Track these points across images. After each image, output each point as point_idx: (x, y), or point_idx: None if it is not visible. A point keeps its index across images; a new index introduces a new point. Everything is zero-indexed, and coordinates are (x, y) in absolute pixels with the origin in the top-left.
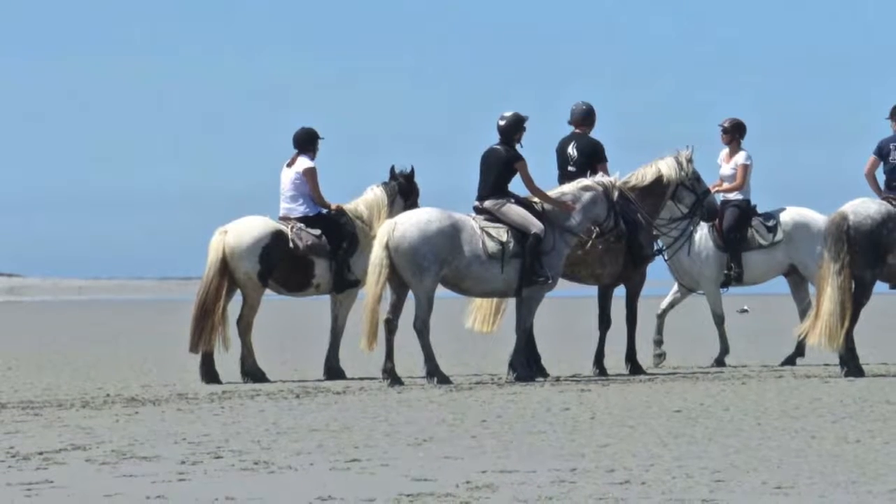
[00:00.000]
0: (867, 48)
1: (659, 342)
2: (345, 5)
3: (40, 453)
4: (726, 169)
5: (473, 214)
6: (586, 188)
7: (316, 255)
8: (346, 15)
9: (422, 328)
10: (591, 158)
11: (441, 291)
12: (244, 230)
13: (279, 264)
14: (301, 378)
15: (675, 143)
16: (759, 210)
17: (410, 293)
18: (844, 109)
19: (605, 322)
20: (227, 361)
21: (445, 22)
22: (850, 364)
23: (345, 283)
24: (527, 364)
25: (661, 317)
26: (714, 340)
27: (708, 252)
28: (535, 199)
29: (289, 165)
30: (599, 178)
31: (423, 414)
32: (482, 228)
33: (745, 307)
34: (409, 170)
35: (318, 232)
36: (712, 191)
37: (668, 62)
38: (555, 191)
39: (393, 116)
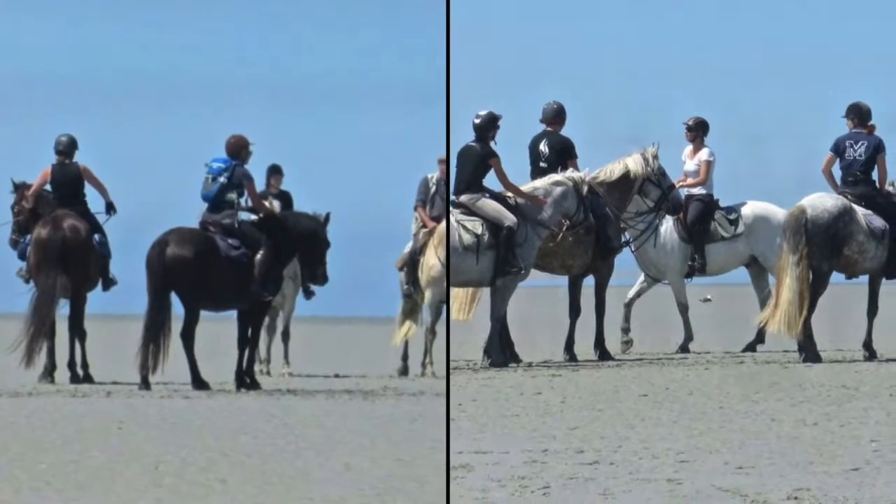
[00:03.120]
0: (826, 49)
1: (626, 330)
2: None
3: None
4: (690, 165)
5: (450, 208)
6: (557, 183)
7: None
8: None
9: None
10: (562, 155)
11: None
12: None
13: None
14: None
15: (641, 140)
16: (722, 204)
17: None
18: (804, 109)
19: (575, 310)
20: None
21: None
22: (808, 350)
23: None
24: (500, 350)
25: (629, 305)
26: (679, 328)
27: (673, 244)
28: (509, 194)
29: None
30: (570, 173)
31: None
32: (458, 221)
33: (708, 296)
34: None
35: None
36: (677, 186)
37: (635, 63)
38: (527, 186)
39: None
